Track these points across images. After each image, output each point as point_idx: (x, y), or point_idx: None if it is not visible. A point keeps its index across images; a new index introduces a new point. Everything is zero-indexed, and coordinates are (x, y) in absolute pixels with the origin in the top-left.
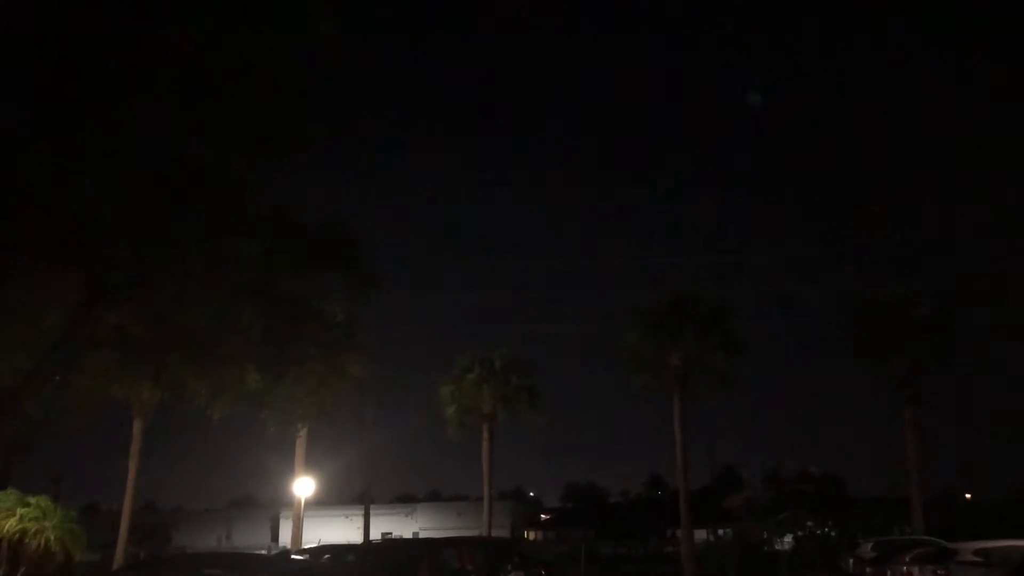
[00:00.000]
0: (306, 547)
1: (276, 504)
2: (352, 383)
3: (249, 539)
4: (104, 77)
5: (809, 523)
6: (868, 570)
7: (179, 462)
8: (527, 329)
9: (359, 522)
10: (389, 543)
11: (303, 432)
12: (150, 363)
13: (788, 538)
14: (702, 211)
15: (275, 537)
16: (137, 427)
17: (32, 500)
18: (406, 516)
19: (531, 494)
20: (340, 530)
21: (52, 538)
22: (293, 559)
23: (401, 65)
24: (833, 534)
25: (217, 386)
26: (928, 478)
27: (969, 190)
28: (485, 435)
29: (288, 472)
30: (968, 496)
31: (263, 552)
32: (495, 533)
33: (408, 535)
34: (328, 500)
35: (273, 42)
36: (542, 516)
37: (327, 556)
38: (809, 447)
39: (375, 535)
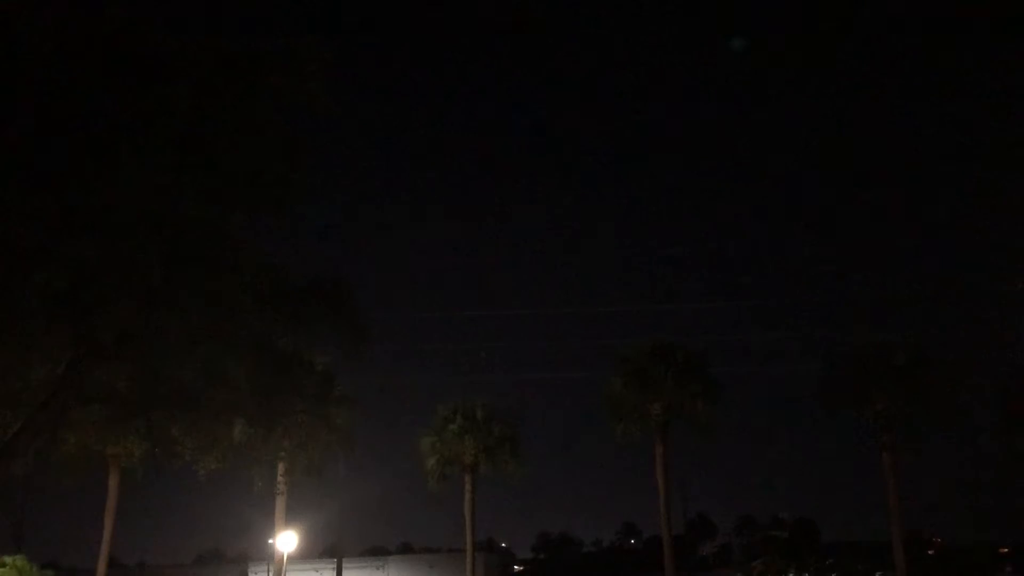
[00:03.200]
0: None
1: (245, 559)
2: (338, 435)
3: None
4: (100, 133)
5: (791, 573)
6: None
7: (142, 517)
8: (498, 378)
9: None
10: None
11: (283, 486)
12: (139, 419)
13: None
14: (676, 258)
15: None
16: (113, 482)
17: (8, 560)
18: (377, 570)
19: (503, 544)
20: None
21: None
22: None
23: (372, 118)
24: None
25: (206, 441)
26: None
27: (943, 238)
28: (467, 486)
29: (261, 526)
30: (938, 540)
31: None
32: None
33: None
34: (294, 554)
35: (268, 98)
36: (515, 567)
37: None
38: (781, 493)
39: None
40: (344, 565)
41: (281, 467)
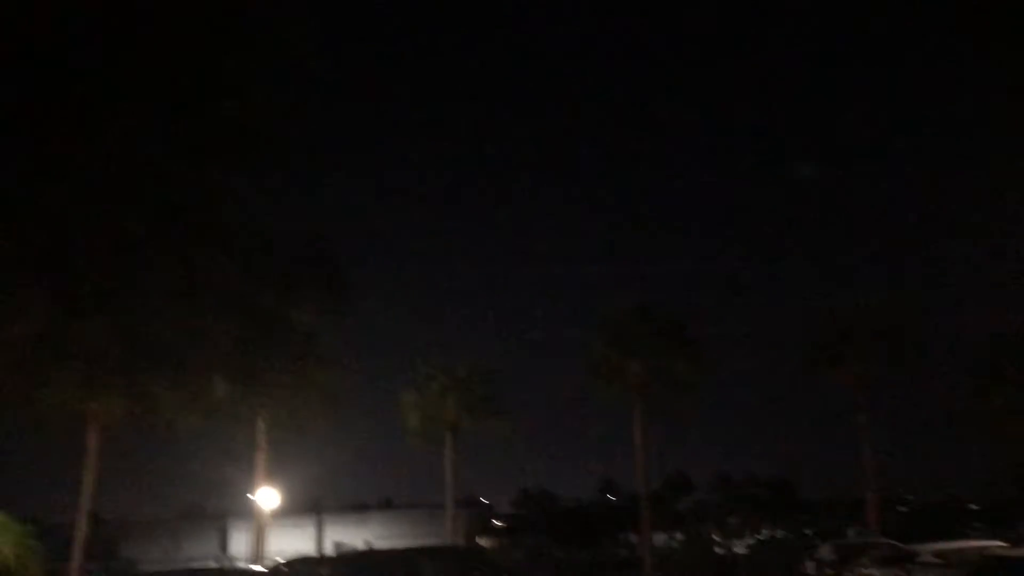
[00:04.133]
0: (278, 559)
1: (226, 514)
2: (320, 393)
3: (197, 551)
4: (81, 88)
5: (764, 530)
6: (829, 572)
7: (122, 472)
8: (487, 337)
9: (311, 531)
10: (362, 554)
11: (264, 442)
12: (119, 376)
13: (744, 541)
14: (660, 220)
15: (224, 548)
16: (92, 439)
17: None
18: (359, 525)
19: (483, 500)
20: (291, 540)
21: (11, 556)
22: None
23: (367, 79)
24: (778, 535)
25: (187, 398)
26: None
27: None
28: (448, 444)
29: (241, 482)
30: (910, 498)
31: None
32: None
33: (360, 544)
34: (275, 510)
35: (253, 57)
36: (495, 523)
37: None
38: (758, 450)
39: (327, 544)
40: (325, 520)
41: (262, 424)
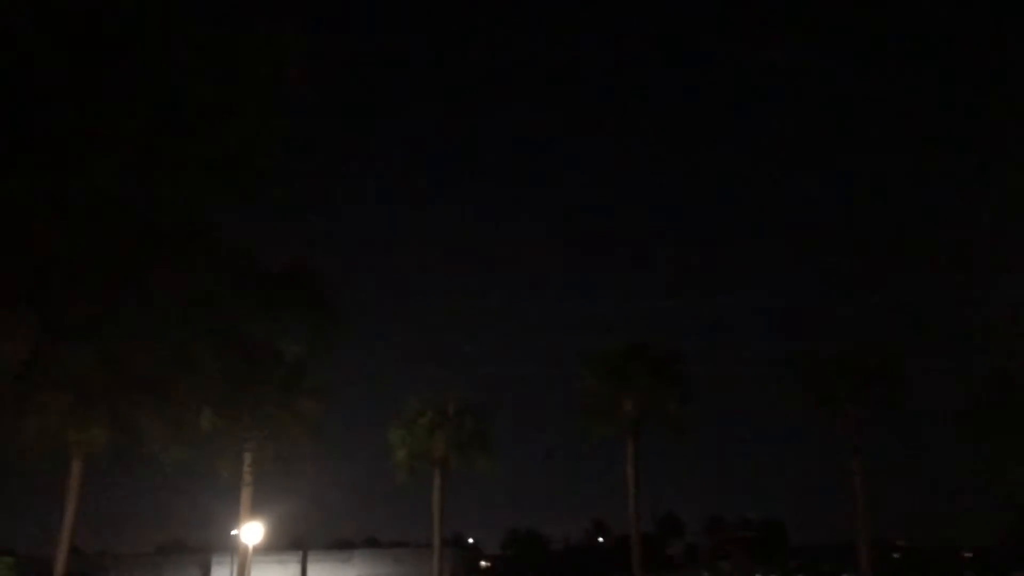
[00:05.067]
0: None
1: (208, 549)
2: (307, 427)
3: None
4: (69, 114)
5: (757, 574)
6: None
7: (104, 504)
8: (470, 373)
9: (294, 568)
10: None
11: (249, 476)
12: (104, 405)
13: None
14: (655, 260)
15: None
16: (76, 469)
17: None
18: (343, 563)
19: (470, 540)
20: None
21: None
22: None
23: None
24: None
25: (172, 429)
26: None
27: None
28: (436, 481)
29: (226, 516)
30: (902, 544)
31: None
32: None
33: None
34: (259, 546)
35: (243, 82)
36: (482, 563)
37: None
38: (750, 493)
39: None
40: (309, 558)
41: (248, 457)
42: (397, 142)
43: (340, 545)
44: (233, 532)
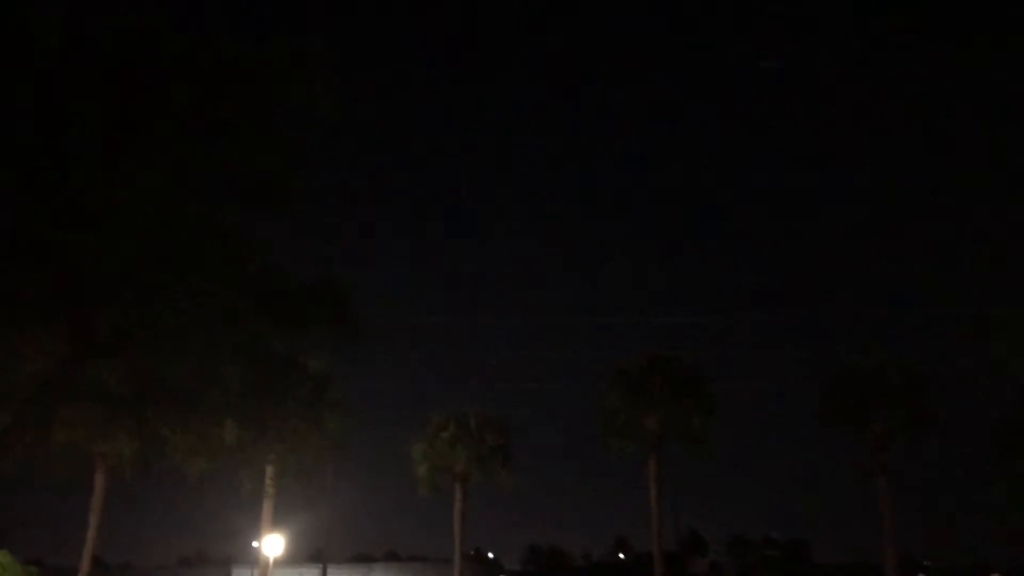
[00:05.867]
0: None
1: (230, 562)
2: (330, 441)
3: None
4: (97, 127)
5: None
6: None
7: (127, 516)
8: (492, 389)
9: None
10: None
11: (271, 489)
12: (131, 417)
13: None
14: (676, 272)
15: None
16: (100, 481)
17: None
18: None
19: (490, 555)
20: None
21: None
22: None
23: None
24: None
25: (197, 442)
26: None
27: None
28: (458, 495)
29: (247, 529)
30: (928, 563)
31: None
32: None
33: None
34: (280, 558)
35: (270, 99)
36: None
37: None
38: (774, 512)
39: None
40: (329, 571)
41: (270, 470)
42: (423, 159)
43: (360, 558)
44: (254, 544)
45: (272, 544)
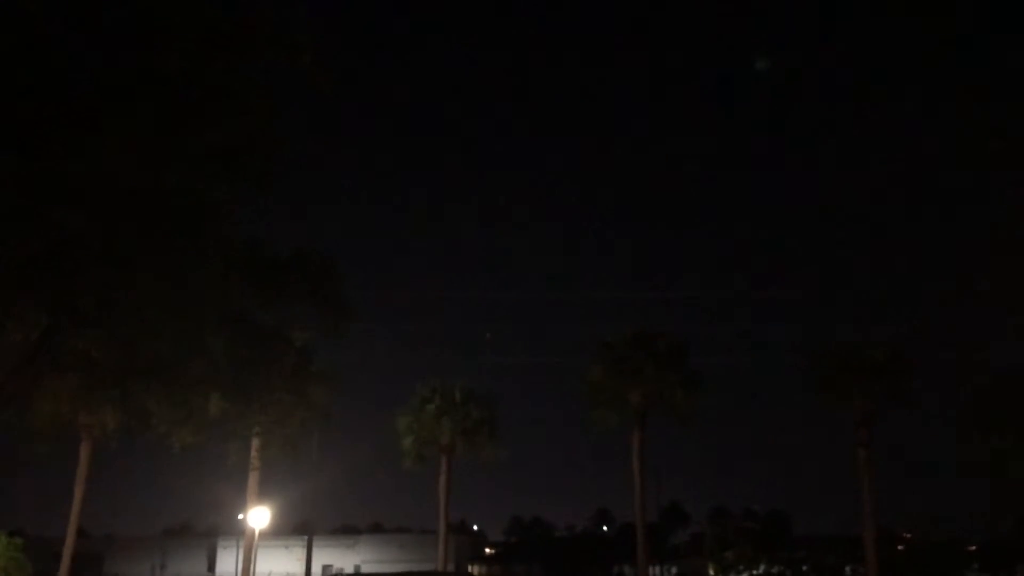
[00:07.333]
0: None
1: (214, 533)
2: (315, 412)
3: (185, 569)
4: (80, 99)
5: (761, 565)
6: None
7: (111, 487)
8: (477, 361)
9: (299, 553)
10: None
11: (257, 461)
12: (114, 388)
13: None
14: (663, 248)
15: (211, 567)
16: (85, 452)
17: None
18: (348, 548)
19: (474, 527)
20: (280, 561)
21: None
22: None
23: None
24: (774, 571)
25: (181, 414)
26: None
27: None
28: (443, 467)
29: (233, 501)
30: (907, 536)
31: None
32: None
33: (349, 568)
34: (265, 530)
35: (255, 70)
36: (486, 550)
37: None
38: (754, 484)
39: (316, 567)
40: (314, 543)
41: (256, 442)
42: (405, 132)
43: (345, 531)
44: (239, 516)
45: (258, 516)
